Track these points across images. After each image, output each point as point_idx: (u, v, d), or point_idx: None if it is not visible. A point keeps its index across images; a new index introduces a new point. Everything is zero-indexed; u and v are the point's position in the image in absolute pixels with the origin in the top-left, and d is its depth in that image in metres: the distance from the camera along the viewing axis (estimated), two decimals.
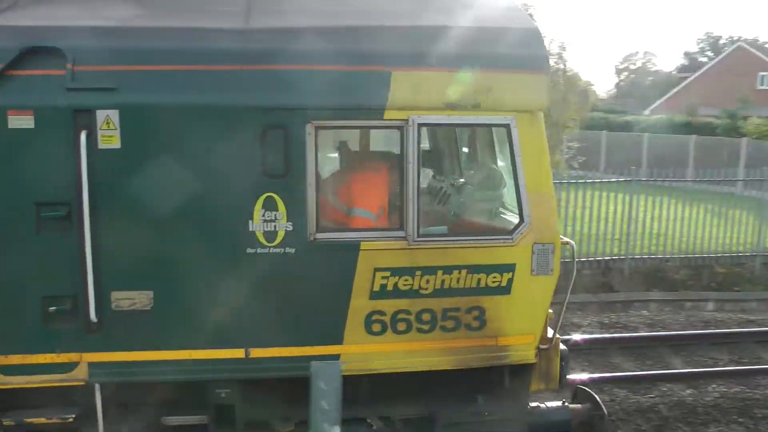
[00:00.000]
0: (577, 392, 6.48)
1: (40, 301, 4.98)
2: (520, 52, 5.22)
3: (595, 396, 6.27)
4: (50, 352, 5.06)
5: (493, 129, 5.83)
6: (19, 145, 4.82)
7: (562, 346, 5.90)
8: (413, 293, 5.22)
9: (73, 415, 5.20)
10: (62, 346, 5.06)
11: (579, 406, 6.20)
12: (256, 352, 5.18)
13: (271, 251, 5.05)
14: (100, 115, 4.85)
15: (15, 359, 5.05)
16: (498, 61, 5.18)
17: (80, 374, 5.09)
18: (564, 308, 5.77)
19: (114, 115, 4.85)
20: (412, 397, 5.56)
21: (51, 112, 4.80)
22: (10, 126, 4.81)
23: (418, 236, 5.19)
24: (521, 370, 5.57)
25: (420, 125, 5.13)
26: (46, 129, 4.82)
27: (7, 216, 4.87)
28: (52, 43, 4.82)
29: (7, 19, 5.06)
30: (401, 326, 5.30)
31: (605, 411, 6.13)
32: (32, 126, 4.82)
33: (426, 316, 5.30)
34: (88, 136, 4.80)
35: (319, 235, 5.11)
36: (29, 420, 5.19)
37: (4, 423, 5.17)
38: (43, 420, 5.20)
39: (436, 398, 5.57)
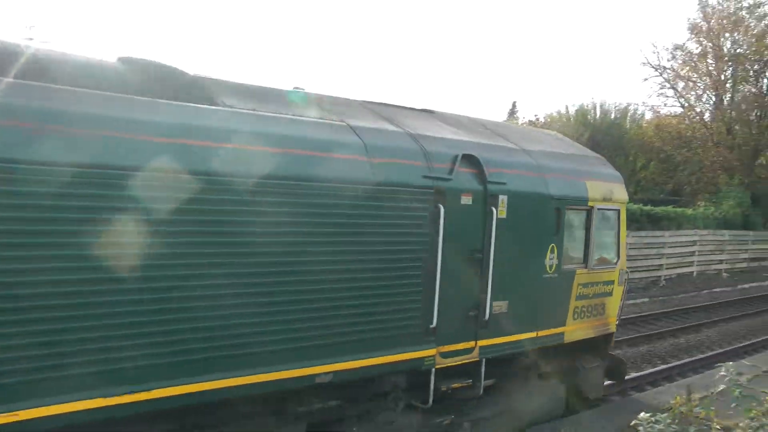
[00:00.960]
0: None
1: (466, 309, 8.36)
2: (615, 174, 10.64)
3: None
4: (464, 342, 8.40)
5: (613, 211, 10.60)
6: (466, 214, 8.22)
7: None
8: (588, 297, 10.03)
9: (470, 381, 8.60)
10: (469, 336, 8.45)
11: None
12: (541, 332, 9.32)
13: (550, 276, 9.34)
14: (501, 198, 8.54)
15: (447, 348, 8.24)
16: (612, 178, 10.51)
17: (475, 354, 8.52)
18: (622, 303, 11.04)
19: (504, 198, 8.61)
20: (582, 352, 10.30)
21: (479, 195, 8.25)
22: (462, 203, 8.16)
23: (591, 267, 10.03)
24: (609, 336, 10.74)
25: (597, 209, 10.04)
26: (476, 205, 8.32)
27: (459, 257, 8.06)
28: (474, 153, 8.35)
29: (445, 134, 8.41)
30: (583, 314, 10.03)
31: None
32: (470, 203, 8.21)
33: (590, 309, 10.13)
34: (495, 210, 8.44)
35: (564, 267, 9.56)
36: (454, 385, 8.40)
37: (442, 388, 8.27)
38: (458, 384, 8.46)
39: (582, 353, 10.42)
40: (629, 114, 42.81)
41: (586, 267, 9.90)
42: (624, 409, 10.42)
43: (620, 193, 10.69)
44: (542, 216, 9.08)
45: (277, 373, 6.27)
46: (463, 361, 8.36)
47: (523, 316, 8.94)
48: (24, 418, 4.78)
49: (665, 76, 40.23)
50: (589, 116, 42.33)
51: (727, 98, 38.72)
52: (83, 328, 5.07)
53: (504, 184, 8.52)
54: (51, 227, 4.91)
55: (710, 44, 38.50)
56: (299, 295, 6.38)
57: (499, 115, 45.96)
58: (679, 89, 40.24)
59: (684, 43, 39.82)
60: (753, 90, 37.82)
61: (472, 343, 8.39)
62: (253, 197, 5.97)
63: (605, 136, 39.79)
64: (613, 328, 10.82)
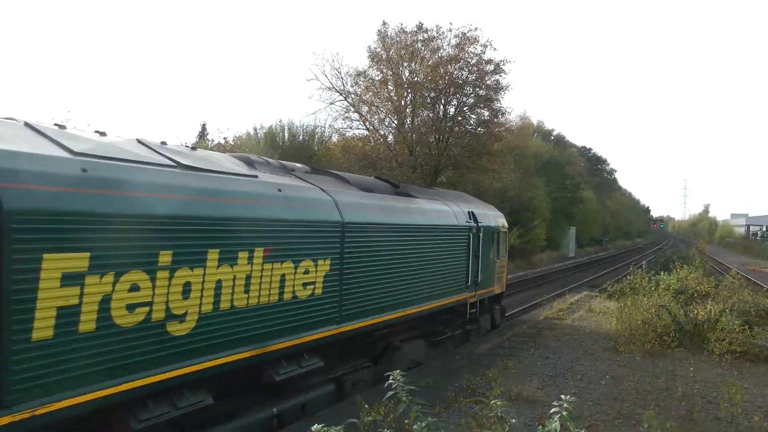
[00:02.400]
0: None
1: (475, 277, 18.24)
2: (501, 213, 13.86)
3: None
4: (475, 291, 18.42)
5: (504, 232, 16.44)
6: (475, 237, 17.51)
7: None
8: (500, 273, 19.29)
9: (474, 311, 18.96)
10: (476, 288, 18.51)
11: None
12: (490, 288, 19.61)
13: (493, 262, 18.89)
14: (482, 229, 15.81)
15: (472, 293, 18.13)
16: (502, 215, 16.37)
17: (476, 296, 18.64)
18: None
19: (482, 229, 11.85)
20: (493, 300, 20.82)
21: (476, 229, 17.69)
22: (473, 233, 17.45)
23: (500, 258, 17.24)
24: (503, 293, 20.75)
25: (502, 232, 16.31)
26: (476, 233, 15.76)
27: (472, 255, 16.68)
28: (473, 211, 18.13)
29: (461, 205, 18.09)
30: (498, 281, 19.14)
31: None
32: (473, 232, 17.64)
33: (499, 279, 20.68)
34: (480, 234, 16.38)
35: (495, 259, 13.68)
36: (471, 311, 18.55)
37: (471, 310, 18.40)
38: (472, 311, 18.74)
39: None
40: (317, 136, 44.83)
41: (498, 258, 19.82)
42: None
43: (505, 222, 20.73)
44: (491, 236, 19.09)
45: (420, 307, 14.95)
46: (474, 299, 18.34)
47: (486, 281, 18.95)
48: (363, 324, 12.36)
49: (350, 100, 42.98)
50: (277, 138, 43.70)
51: (408, 122, 42.26)
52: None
53: (481, 223, 18.32)
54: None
55: (390, 72, 41.93)
56: (428, 274, 15.34)
57: (189, 137, 45.43)
58: (364, 113, 42.98)
59: (366, 70, 42.69)
60: (431, 115, 41.70)
61: (474, 292, 18.23)
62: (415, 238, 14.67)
63: (295, 158, 41.35)
64: (504, 289, 21.80)
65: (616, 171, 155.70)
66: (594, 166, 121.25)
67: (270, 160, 12.16)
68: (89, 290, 6.96)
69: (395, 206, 14.00)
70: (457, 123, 41.91)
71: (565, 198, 68.94)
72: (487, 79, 41.28)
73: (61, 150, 7.28)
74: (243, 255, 9.05)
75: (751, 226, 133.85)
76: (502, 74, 41.45)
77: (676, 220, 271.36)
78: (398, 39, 42.03)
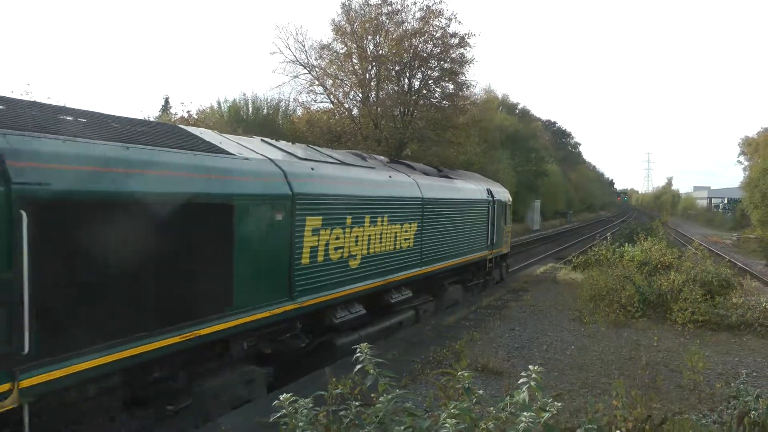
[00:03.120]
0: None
1: (491, 239, 23.23)
2: (505, 189, 15.02)
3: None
4: (491, 250, 23.62)
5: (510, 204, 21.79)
6: (499, 209, 23.73)
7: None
8: (508, 236, 22.97)
9: (491, 265, 24.27)
10: (491, 248, 23.53)
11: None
12: (502, 249, 25.38)
13: (506, 228, 25.74)
14: (498, 202, 23.65)
15: (490, 252, 23.19)
16: (506, 190, 20.78)
17: (491, 253, 23.88)
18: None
19: (497, 203, 23.04)
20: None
21: (493, 203, 23.06)
22: (495, 206, 23.13)
23: (507, 224, 22.39)
24: (509, 252, 25.83)
25: (508, 205, 20.76)
26: (498, 206, 23.77)
27: (491, 223, 23.18)
28: (490, 188, 23.29)
29: (480, 182, 22.99)
30: (506, 243, 23.89)
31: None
32: (494, 206, 23.12)
33: (507, 241, 25.79)
34: (495, 207, 23.32)
35: (505, 225, 21.81)
36: (489, 265, 24.29)
37: (489, 265, 23.70)
38: (490, 266, 23.94)
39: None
40: (281, 110, 44.41)
41: (505, 225, 24.30)
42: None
43: (509, 196, 25.12)
44: (502, 208, 23.88)
45: (460, 259, 19.95)
46: (491, 256, 23.19)
47: (498, 242, 23.51)
48: (432, 269, 17.85)
49: (314, 73, 42.65)
50: (242, 112, 43.27)
51: (373, 96, 42.07)
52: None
53: (495, 197, 23.01)
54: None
55: (355, 45, 41.68)
56: (465, 235, 20.14)
57: (152, 112, 44.78)
58: (328, 86, 42.72)
59: (330, 43, 42.34)
60: (396, 88, 41.58)
61: (491, 251, 22.88)
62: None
63: (259, 131, 40.94)
64: (509, 250, 26.50)
65: (580, 144, 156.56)
66: (558, 140, 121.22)
67: (367, 155, 18.31)
68: (321, 238, 12.02)
69: (446, 185, 19.37)
70: (422, 96, 41.92)
71: (529, 171, 69.31)
72: (451, 52, 41.23)
73: (294, 156, 12.38)
74: (377, 219, 14.30)
75: (713, 199, 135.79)
76: (467, 47, 41.44)
77: (640, 192, 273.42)
78: (362, 12, 41.74)
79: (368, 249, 13.90)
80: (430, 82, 42.47)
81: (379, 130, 40.64)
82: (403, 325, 16.36)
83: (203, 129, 12.03)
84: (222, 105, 43.74)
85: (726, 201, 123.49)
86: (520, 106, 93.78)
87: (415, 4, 41.41)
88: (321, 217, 11.86)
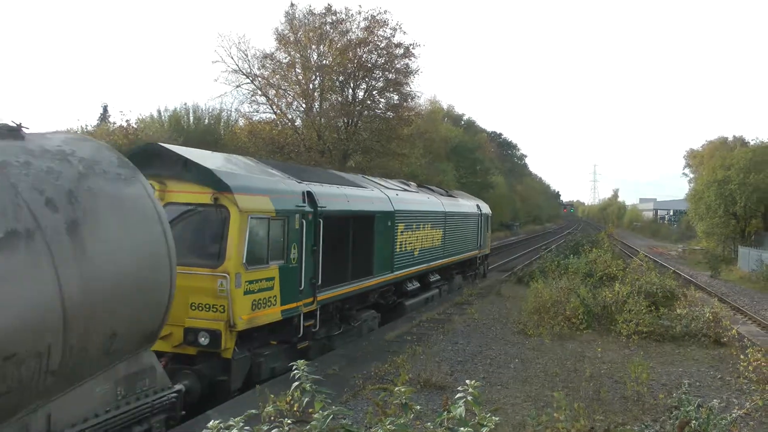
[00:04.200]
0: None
1: (482, 241, 33.46)
2: (484, 204, 18.83)
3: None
4: (481, 249, 33.28)
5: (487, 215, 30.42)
6: (487, 220, 34.75)
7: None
8: (487, 239, 33.13)
9: (480, 265, 34.27)
10: (479, 248, 32.99)
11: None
12: (485, 250, 35.32)
13: (487, 234, 35.39)
14: (486, 216, 33.69)
15: (480, 251, 32.91)
16: (485, 205, 29.55)
17: (480, 252, 33.26)
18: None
19: (488, 216, 34.33)
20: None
21: (484, 216, 33.96)
22: (483, 218, 33.20)
23: (487, 233, 29.11)
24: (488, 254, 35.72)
25: (489, 217, 28.19)
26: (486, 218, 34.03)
27: (481, 229, 32.89)
28: (480, 205, 34.11)
29: (466, 202, 32.04)
30: (487, 245, 32.37)
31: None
32: (483, 218, 33.29)
33: (488, 243, 35.59)
34: (489, 219, 35.22)
35: (486, 233, 29.24)
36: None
37: (477, 262, 32.96)
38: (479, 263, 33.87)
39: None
40: (223, 120, 44.07)
41: (489, 231, 34.53)
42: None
43: (489, 210, 34.72)
44: (486, 219, 33.63)
45: (464, 255, 28.90)
46: (479, 254, 32.37)
47: (484, 245, 32.94)
48: (449, 261, 26.64)
49: (257, 83, 42.38)
50: (182, 121, 42.78)
51: (316, 106, 42.04)
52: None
53: (482, 211, 32.86)
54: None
55: (298, 55, 41.57)
56: (466, 238, 28.90)
57: (90, 119, 43.89)
58: (271, 96, 42.54)
59: (273, 53, 42.16)
60: (339, 99, 41.66)
61: (479, 251, 31.90)
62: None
63: (200, 142, 40.03)
64: (489, 251, 36.08)
65: (526, 156, 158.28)
66: (504, 151, 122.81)
67: (405, 181, 26.72)
68: (404, 236, 20.32)
69: (454, 203, 28.05)
70: (367, 107, 42.15)
71: (474, 183, 69.65)
72: (396, 62, 41.49)
73: (405, 192, 23.07)
74: (426, 225, 22.62)
75: (659, 210, 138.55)
76: (412, 58, 41.78)
77: (586, 204, 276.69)
78: (306, 21, 41.73)
79: (420, 244, 22.06)
80: (374, 92, 42.75)
81: (323, 141, 40.71)
82: (434, 300, 24.40)
83: (355, 175, 21.64)
84: (162, 114, 43.19)
85: (672, 213, 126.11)
86: (465, 117, 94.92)
87: (359, 13, 41.43)
88: (403, 224, 20.20)
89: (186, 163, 11.92)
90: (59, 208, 6.58)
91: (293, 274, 13.22)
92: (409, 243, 20.81)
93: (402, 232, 20.04)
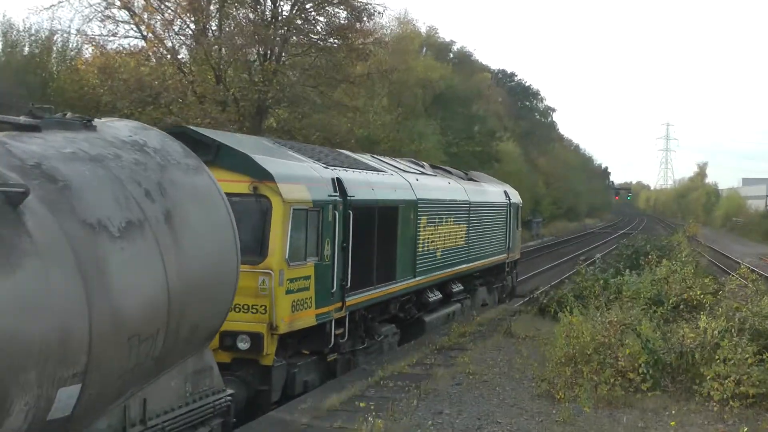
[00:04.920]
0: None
1: (510, 243, 35.16)
2: (515, 191, 27.76)
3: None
4: (508, 253, 34.94)
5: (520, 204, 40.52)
6: (515, 211, 37.44)
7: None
8: (518, 240, 40.65)
9: (508, 269, 37.16)
10: (507, 251, 35.40)
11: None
12: (515, 254, 37.42)
13: (518, 231, 40.18)
14: (516, 206, 37.80)
15: (509, 255, 35.75)
16: (515, 192, 40.07)
17: (508, 257, 35.53)
18: None
19: (518, 206, 37.17)
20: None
21: (514, 206, 37.57)
22: (512, 209, 35.22)
23: (517, 228, 39.33)
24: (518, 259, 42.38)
25: (519, 206, 37.96)
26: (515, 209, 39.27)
27: (510, 226, 35.26)
28: (506, 190, 36.64)
29: (493, 186, 38.08)
30: (518, 248, 40.82)
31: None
32: (515, 208, 37.10)
33: (519, 246, 39.49)
34: (518, 210, 38.56)
35: (517, 229, 38.82)
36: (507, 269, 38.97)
37: (507, 268, 37.10)
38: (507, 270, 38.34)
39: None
40: (56, 48, 37.68)
41: (518, 228, 37.57)
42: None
43: (519, 197, 36.79)
44: (516, 211, 34.75)
45: (486, 261, 30.50)
46: (508, 260, 33.41)
47: (514, 247, 34.43)
48: (474, 266, 29.47)
49: None
50: None
51: (214, 28, 36.71)
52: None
53: (511, 200, 33.78)
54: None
55: None
56: (490, 238, 30.59)
57: None
58: (138, 11, 36.25)
59: None
60: (251, 15, 36.38)
61: (508, 255, 34.16)
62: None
63: (18, 83, 32.07)
64: (519, 256, 40.80)
65: (554, 111, 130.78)
66: (520, 102, 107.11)
67: (418, 161, 27.46)
68: (427, 232, 21.68)
69: (478, 189, 29.39)
70: (296, 29, 36.69)
71: (471, 152, 60.98)
72: None
73: (425, 176, 25.20)
74: (449, 219, 24.34)
75: None
76: None
77: (652, 188, 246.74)
78: None
79: (444, 243, 23.49)
80: (307, 5, 37.31)
81: (224, 87, 35.15)
82: (455, 315, 25.36)
83: (363, 154, 23.03)
84: None
85: None
86: (455, 48, 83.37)
87: None
88: (425, 216, 21.54)
89: (219, 148, 13.91)
90: (155, 200, 8.90)
91: (327, 274, 15.66)
92: (432, 241, 22.65)
93: (425, 226, 21.84)
